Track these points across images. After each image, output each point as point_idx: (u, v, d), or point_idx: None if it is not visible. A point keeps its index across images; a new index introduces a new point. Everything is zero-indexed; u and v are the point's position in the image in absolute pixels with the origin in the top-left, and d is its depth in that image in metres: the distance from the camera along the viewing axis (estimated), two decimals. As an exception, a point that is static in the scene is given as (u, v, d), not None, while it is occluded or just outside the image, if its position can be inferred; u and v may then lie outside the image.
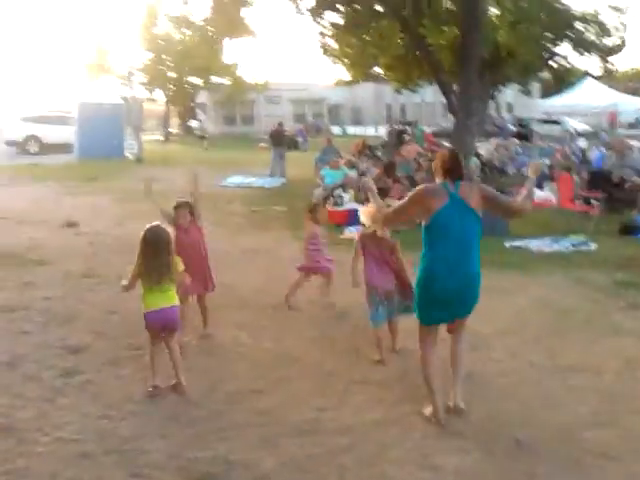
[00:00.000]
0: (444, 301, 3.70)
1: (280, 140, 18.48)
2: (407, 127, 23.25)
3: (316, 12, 15.06)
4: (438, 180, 3.84)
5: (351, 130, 40.74)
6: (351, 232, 9.51)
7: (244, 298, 6.19)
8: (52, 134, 24.57)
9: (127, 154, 22.01)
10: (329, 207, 10.70)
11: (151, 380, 4.06)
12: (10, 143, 25.03)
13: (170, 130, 46.53)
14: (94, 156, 20.47)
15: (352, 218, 10.11)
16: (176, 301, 4.13)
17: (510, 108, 45.67)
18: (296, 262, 6.62)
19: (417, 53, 16.09)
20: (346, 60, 20.99)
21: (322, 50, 18.55)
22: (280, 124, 19.58)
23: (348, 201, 10.88)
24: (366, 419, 3.74)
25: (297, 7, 14.79)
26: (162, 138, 44.07)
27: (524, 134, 21.51)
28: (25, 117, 25.17)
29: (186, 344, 4.76)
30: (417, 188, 3.86)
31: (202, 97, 50.30)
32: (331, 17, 16.05)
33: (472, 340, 4.94)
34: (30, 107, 26.47)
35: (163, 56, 43.28)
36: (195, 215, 5.16)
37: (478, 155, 18.36)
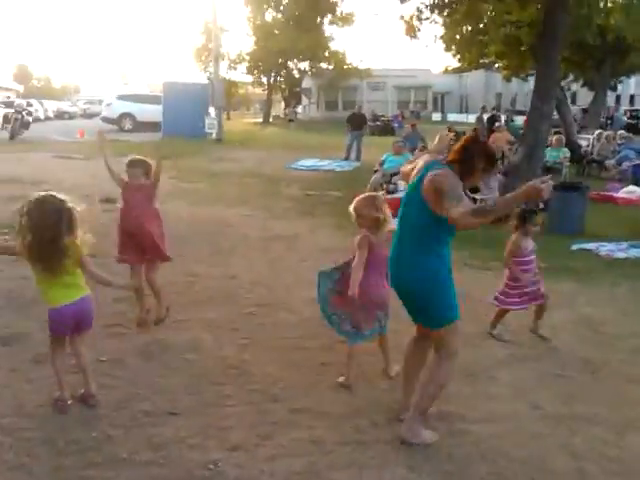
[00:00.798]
0: None
1: (357, 124, 17.56)
2: (498, 114, 21.50)
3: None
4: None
5: (452, 117, 38.90)
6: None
7: (231, 292, 5.42)
8: (146, 112, 25.09)
9: (210, 134, 21.93)
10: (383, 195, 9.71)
11: (59, 391, 3.35)
12: (106, 120, 25.86)
13: (274, 114, 46.87)
14: (178, 135, 20.54)
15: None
16: (87, 290, 3.40)
17: (633, 100, 41.93)
18: (320, 252, 5.81)
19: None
20: (455, 47, 19.77)
21: (432, 38, 17.54)
22: (359, 108, 18.72)
23: (403, 189, 9.79)
24: (279, 470, 2.86)
25: None
26: (262, 121, 44.52)
27: (635, 125, 19.16)
28: (121, 95, 25.96)
29: (125, 348, 4.09)
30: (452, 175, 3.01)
31: (308, 82, 50.33)
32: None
33: (470, 365, 3.92)
34: (128, 86, 27.36)
35: (268, 41, 43.45)
36: (153, 179, 4.46)
37: (576, 146, 16.58)
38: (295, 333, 4.52)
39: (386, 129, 31.54)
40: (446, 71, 30.95)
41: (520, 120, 22.21)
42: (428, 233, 2.99)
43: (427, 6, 14.46)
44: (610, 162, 15.18)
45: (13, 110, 19.72)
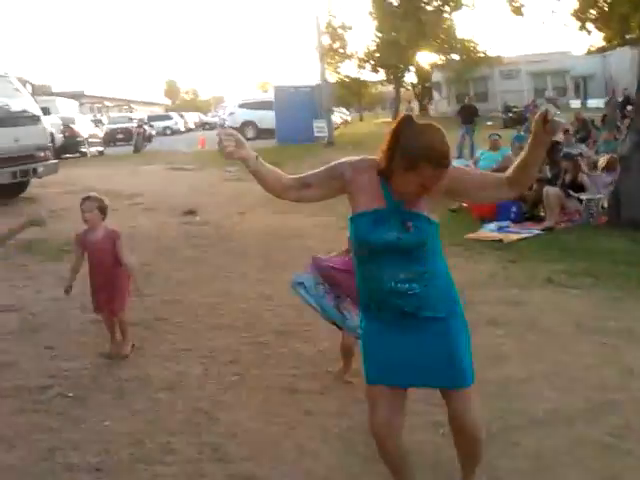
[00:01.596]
0: None
1: (469, 116, 16.33)
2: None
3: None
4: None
5: (593, 103, 35.54)
6: (491, 232, 7.52)
7: (256, 316, 4.88)
8: (266, 119, 25.37)
9: (321, 138, 21.60)
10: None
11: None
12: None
13: (408, 111, 45.83)
14: (290, 140, 20.48)
15: (502, 211, 8.08)
16: None
17: None
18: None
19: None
20: (591, 24, 17.84)
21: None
22: (471, 98, 17.45)
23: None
24: None
25: None
26: (390, 120, 43.73)
27: None
28: (242, 103, 26.52)
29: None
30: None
31: (437, 76, 48.82)
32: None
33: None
34: (250, 94, 27.99)
35: (393, 33, 42.61)
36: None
37: None
38: (295, 370, 3.89)
39: (519, 120, 29.52)
40: (589, 52, 28.27)
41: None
42: None
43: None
44: None
45: (136, 125, 20.81)
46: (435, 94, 52.01)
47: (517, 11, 13.11)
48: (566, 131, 15.08)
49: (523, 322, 4.56)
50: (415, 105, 44.06)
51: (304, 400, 3.51)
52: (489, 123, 29.52)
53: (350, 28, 48.18)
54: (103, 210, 3.95)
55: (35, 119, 10.06)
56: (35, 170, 9.96)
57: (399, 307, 2.14)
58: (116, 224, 4.34)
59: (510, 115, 30.48)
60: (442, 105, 49.06)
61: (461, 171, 2.21)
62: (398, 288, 2.11)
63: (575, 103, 36.01)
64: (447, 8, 41.33)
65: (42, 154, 10.05)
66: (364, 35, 62.12)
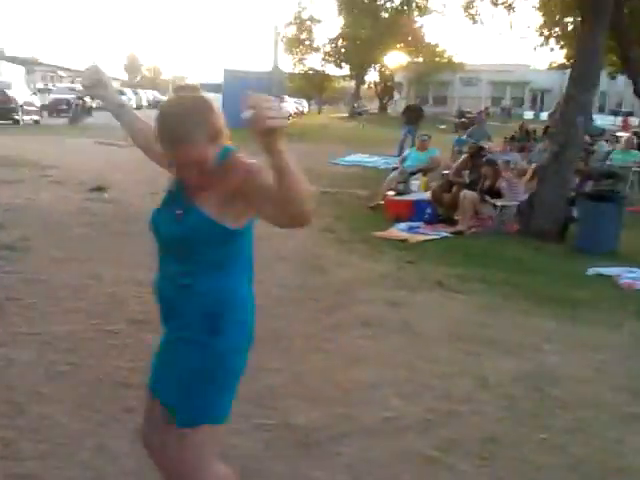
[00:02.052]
0: None
1: (411, 117, 16.25)
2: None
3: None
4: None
5: (545, 115, 36.27)
6: (400, 231, 7.37)
7: (123, 299, 4.58)
8: (218, 102, 24.82)
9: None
10: (389, 195, 8.59)
11: None
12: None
13: (366, 109, 45.85)
14: (236, 124, 20.00)
15: (417, 212, 7.95)
16: None
17: None
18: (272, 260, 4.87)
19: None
20: (555, 41, 17.96)
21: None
22: (418, 99, 17.44)
23: (416, 189, 8.59)
24: None
25: None
26: (348, 115, 43.72)
27: None
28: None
29: None
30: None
31: (400, 77, 49.12)
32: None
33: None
34: (201, 75, 27.39)
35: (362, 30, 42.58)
36: None
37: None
38: (135, 363, 3.58)
39: (470, 126, 29.87)
40: (550, 67, 28.74)
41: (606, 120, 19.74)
42: None
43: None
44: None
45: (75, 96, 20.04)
46: (396, 94, 52.34)
47: (473, 19, 13.13)
48: (510, 139, 15.23)
49: (396, 325, 4.39)
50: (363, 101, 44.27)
51: (132, 396, 3.22)
52: (442, 126, 29.80)
53: (319, 21, 47.93)
54: None
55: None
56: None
57: (159, 303, 1.88)
58: (13, 195, 3.95)
59: (462, 120, 30.82)
60: (401, 105, 49.23)
61: (262, 179, 1.63)
62: (158, 283, 1.86)
63: (528, 114, 36.65)
64: (414, 11, 41.46)
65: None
66: (332, 29, 61.81)
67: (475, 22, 14.06)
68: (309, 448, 2.87)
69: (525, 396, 3.44)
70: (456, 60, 43.93)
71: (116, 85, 50.98)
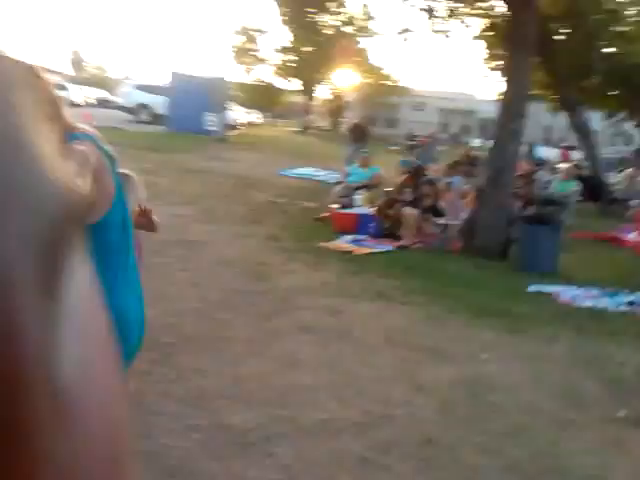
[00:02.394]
0: None
1: (358, 136, 16.46)
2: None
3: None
4: None
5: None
6: (345, 243, 7.39)
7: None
8: (163, 105, 24.44)
9: (214, 131, 20.99)
10: (334, 208, 8.65)
11: None
12: (123, 109, 25.46)
13: (317, 125, 46.10)
14: (183, 130, 19.82)
15: (361, 225, 8.00)
16: None
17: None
18: (213, 263, 4.75)
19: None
20: (501, 73, 18.56)
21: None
22: (364, 119, 17.70)
23: (360, 203, 8.67)
24: None
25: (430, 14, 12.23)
26: (300, 129, 43.92)
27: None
28: (140, 85, 25.48)
29: None
30: None
31: (351, 96, 49.78)
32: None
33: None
34: (146, 76, 27.01)
35: (305, 48, 42.96)
36: None
37: (600, 183, 15.09)
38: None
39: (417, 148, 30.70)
40: (498, 97, 29.61)
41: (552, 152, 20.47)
42: None
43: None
44: (635, 202, 13.69)
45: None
46: (347, 112, 53.01)
47: (403, 34, 13.44)
48: (454, 163, 15.63)
49: (336, 331, 4.39)
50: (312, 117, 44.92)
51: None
52: (393, 147, 30.37)
53: (263, 32, 47.89)
54: None
55: None
56: None
57: None
58: None
59: (412, 143, 31.50)
60: (350, 123, 49.88)
61: None
62: None
63: (476, 142, 37.70)
64: (356, 31, 42.07)
65: None
66: (279, 42, 62.35)
67: (405, 39, 14.29)
68: (244, 448, 2.82)
69: (462, 401, 3.49)
70: (402, 85, 44.82)
71: (59, 80, 49.63)
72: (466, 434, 3.07)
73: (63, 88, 27.51)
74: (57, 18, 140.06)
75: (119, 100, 27.19)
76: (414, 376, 3.72)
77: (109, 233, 1.70)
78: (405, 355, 4.03)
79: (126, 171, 2.66)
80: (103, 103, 41.78)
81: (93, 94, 40.41)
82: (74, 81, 48.95)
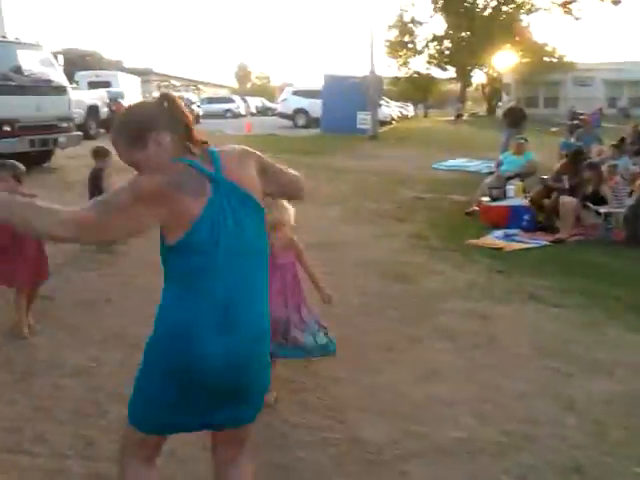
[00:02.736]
0: (205, 390, 1.79)
1: (514, 120, 15.56)
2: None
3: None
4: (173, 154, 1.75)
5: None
6: (496, 239, 7.09)
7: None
8: (318, 108, 25.09)
9: (365, 130, 21.06)
10: (484, 201, 8.28)
11: None
12: (281, 115, 26.62)
13: (473, 112, 44.65)
14: (334, 130, 20.20)
15: (514, 218, 7.63)
16: None
17: None
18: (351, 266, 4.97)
19: None
20: None
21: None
22: (518, 101, 16.70)
23: (513, 195, 8.19)
24: None
25: None
26: (452, 118, 42.88)
27: None
28: (296, 90, 26.48)
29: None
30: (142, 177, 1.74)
31: (508, 78, 47.49)
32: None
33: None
34: (306, 81, 27.94)
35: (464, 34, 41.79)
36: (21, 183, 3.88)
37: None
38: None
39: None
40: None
41: None
42: None
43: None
44: None
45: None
46: (504, 96, 50.68)
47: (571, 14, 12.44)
48: (620, 141, 14.22)
49: (479, 338, 4.19)
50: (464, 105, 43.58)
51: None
52: (554, 129, 28.44)
53: (420, 24, 47.31)
54: (18, 177, 3.85)
55: (61, 90, 10.16)
56: (56, 140, 10.06)
57: None
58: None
59: (575, 122, 29.17)
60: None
61: None
62: None
63: (640, 112, 34.13)
64: (518, 8, 40.15)
65: (65, 125, 10.15)
66: (435, 31, 60.93)
67: (577, 19, 13.25)
68: (377, 466, 2.79)
69: (619, 424, 3.14)
70: (567, 59, 41.84)
71: (226, 93, 52.97)
72: (622, 463, 2.77)
73: (230, 100, 29.25)
74: (223, 34, 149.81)
75: (278, 107, 28.42)
76: (564, 392, 3.43)
77: (190, 254, 1.73)
78: (556, 367, 3.74)
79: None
80: (263, 111, 44.02)
81: (255, 103, 42.78)
82: (239, 93, 52.15)
